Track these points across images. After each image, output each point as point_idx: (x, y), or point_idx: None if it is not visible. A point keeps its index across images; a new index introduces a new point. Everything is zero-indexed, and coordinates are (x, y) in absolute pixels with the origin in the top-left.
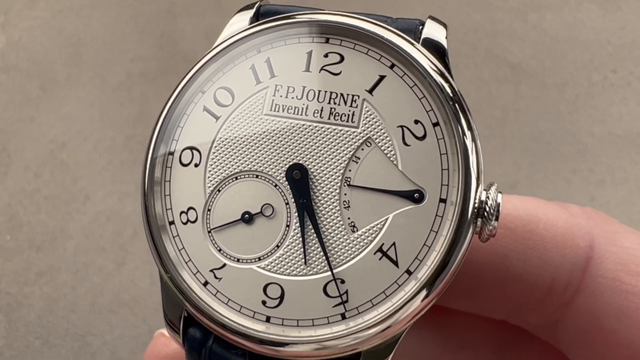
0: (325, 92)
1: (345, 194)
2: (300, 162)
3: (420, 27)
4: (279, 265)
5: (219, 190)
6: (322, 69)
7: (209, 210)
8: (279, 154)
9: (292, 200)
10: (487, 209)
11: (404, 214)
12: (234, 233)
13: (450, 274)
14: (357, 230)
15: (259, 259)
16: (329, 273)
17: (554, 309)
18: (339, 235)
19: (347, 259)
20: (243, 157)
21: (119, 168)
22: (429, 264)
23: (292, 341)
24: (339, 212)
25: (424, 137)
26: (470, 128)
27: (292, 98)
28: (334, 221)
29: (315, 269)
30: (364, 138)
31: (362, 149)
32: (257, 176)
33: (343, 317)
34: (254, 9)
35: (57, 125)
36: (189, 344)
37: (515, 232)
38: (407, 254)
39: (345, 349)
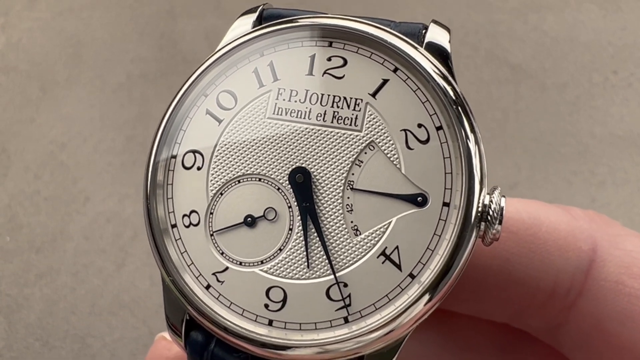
0: (329, 95)
1: (348, 198)
2: (303, 165)
3: (424, 31)
4: (281, 269)
5: (221, 194)
6: (325, 72)
7: (211, 213)
8: (281, 157)
9: (295, 203)
10: (491, 212)
11: (407, 217)
12: (237, 236)
13: (454, 277)
14: (360, 234)
15: (262, 262)
16: (332, 276)
17: (556, 312)
18: (341, 239)
19: (350, 262)
20: (246, 161)
21: (119, 169)
22: (432, 268)
23: (294, 345)
24: (342, 215)
25: (427, 140)
26: (473, 131)
27: (295, 102)
28: (337, 225)
29: (318, 273)
30: (367, 142)
31: (365, 153)
32: (259, 179)
33: (346, 320)
34: (257, 13)
35: (57, 126)
36: (191, 348)
37: (517, 235)
38: (411, 257)
39: (348, 353)
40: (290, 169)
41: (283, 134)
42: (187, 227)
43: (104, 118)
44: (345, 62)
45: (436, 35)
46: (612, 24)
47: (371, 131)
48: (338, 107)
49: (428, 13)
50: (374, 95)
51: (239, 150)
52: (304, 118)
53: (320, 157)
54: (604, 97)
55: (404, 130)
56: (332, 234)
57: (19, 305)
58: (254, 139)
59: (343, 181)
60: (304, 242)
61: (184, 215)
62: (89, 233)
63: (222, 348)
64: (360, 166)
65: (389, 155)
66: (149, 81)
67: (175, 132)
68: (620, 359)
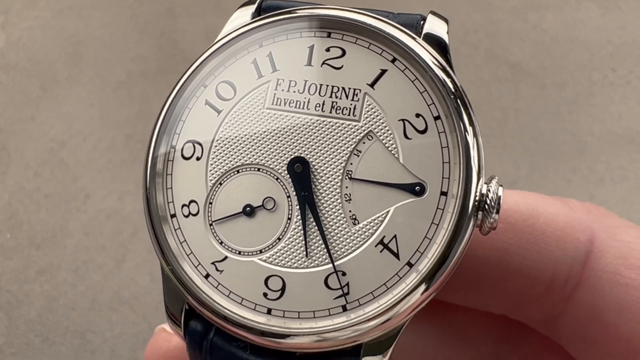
0: (327, 86)
1: (346, 187)
2: (302, 155)
3: (422, 22)
4: (280, 258)
5: (220, 184)
6: (323, 63)
7: (210, 203)
8: (280, 147)
9: (294, 193)
10: (488, 201)
11: (405, 206)
12: (236, 226)
13: (451, 266)
14: (358, 223)
15: (261, 251)
16: (330, 265)
17: (554, 304)
18: (340, 228)
19: (349, 251)
20: (245, 151)
21: (119, 167)
22: (430, 257)
23: (293, 333)
24: (341, 205)
25: (425, 130)
26: (471, 121)
27: (294, 92)
28: (336, 214)
29: (316, 262)
30: (366, 131)
31: (364, 143)
32: (258, 169)
33: (344, 309)
34: (255, 4)
35: (57, 124)
36: (190, 337)
37: (515, 226)
38: (408, 246)
39: (346, 341)
40: (289, 159)
41: (282, 124)
42: (187, 216)
43: (104, 116)
44: (344, 52)
45: (434, 26)
46: (611, 22)
47: (369, 121)
48: (336, 97)
49: (427, 11)
50: (372, 85)
51: (238, 140)
52: (303, 108)
53: (318, 147)
54: (602, 95)
55: (402, 120)
56: (331, 223)
57: (19, 302)
58: (253, 130)
59: (341, 171)
60: (302, 232)
61: (183, 205)
62: (89, 230)
63: (222, 337)
64: (358, 156)
65: (387, 145)
66: (149, 80)
67: (174, 122)
68: (617, 350)
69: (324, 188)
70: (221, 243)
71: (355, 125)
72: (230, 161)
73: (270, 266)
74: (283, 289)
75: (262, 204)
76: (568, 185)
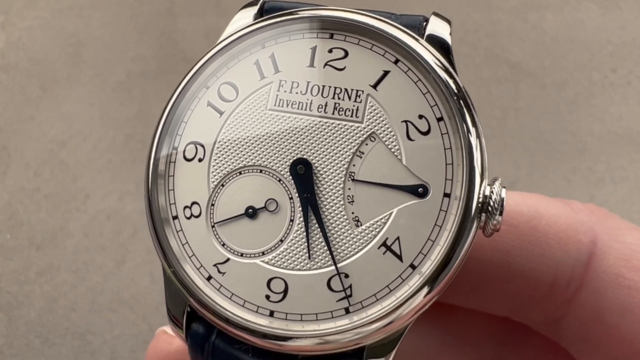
0: (330, 87)
1: (349, 189)
2: (305, 156)
3: (425, 24)
4: (282, 260)
5: (222, 185)
6: (326, 64)
7: (212, 205)
8: (283, 148)
9: (296, 195)
10: (491, 203)
11: (408, 208)
12: (238, 228)
13: (455, 268)
14: (361, 225)
15: (263, 253)
16: (333, 267)
17: (556, 305)
18: (343, 230)
19: (351, 253)
20: (247, 152)
21: (119, 167)
22: (433, 259)
23: (295, 335)
24: (343, 206)
25: (428, 132)
26: (474, 123)
27: (297, 93)
28: (338, 216)
29: (319, 264)
30: (368, 133)
31: (366, 144)
32: (261, 171)
33: (347, 311)
34: (258, 5)
35: (57, 124)
36: (192, 339)
37: (517, 228)
38: (411, 248)
39: (349, 344)
40: (291, 161)
41: (284, 126)
42: (189, 218)
43: (104, 116)
44: (347, 53)
45: (437, 27)
46: (611, 22)
47: (372, 122)
48: (339, 98)
49: (428, 11)
50: (375, 86)
51: (240, 142)
52: (305, 109)
53: (321, 148)
54: (603, 95)
55: (405, 121)
56: (333, 225)
57: (19, 303)
58: (255, 131)
59: (344, 172)
60: (305, 233)
61: (185, 207)
62: (89, 230)
63: (224, 339)
64: (361, 157)
65: (389, 146)
66: (149, 80)
67: (176, 124)
68: (620, 352)
69: (327, 190)
70: (223, 245)
71: (357, 127)
72: (233, 163)
73: (273, 268)
74: (285, 291)
75: (265, 206)
76: (568, 185)
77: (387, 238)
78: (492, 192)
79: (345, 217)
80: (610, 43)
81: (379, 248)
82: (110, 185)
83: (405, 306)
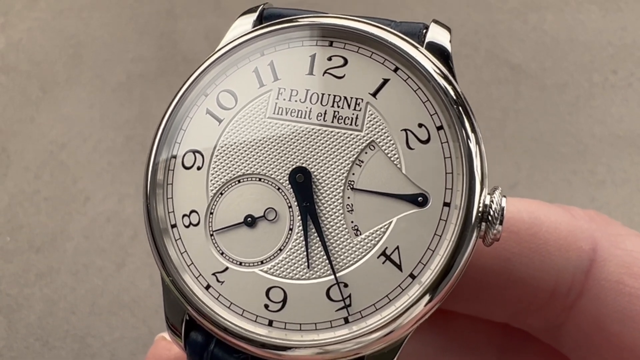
0: (329, 95)
1: (348, 198)
2: (304, 165)
3: (424, 31)
4: (281, 269)
5: (221, 194)
6: (325, 72)
7: (211, 213)
8: (282, 157)
9: (295, 203)
10: (492, 213)
11: (407, 217)
12: (237, 236)
13: (454, 278)
14: (360, 234)
15: (262, 262)
16: (332, 277)
17: (557, 312)
18: (342, 239)
19: (351, 262)
20: (246, 161)
21: (119, 169)
22: (432, 268)
23: (294, 345)
24: (342, 215)
25: (428, 140)
26: (474, 131)
27: (296, 101)
28: (337, 225)
29: (318, 273)
30: (368, 141)
31: (366, 153)
32: (260, 179)
33: (346, 321)
34: (257, 12)
35: (57, 126)
36: (190, 348)
37: (518, 235)
38: (411, 257)
39: (349, 353)
40: (290, 169)
41: (283, 134)
42: (187, 227)
43: (104, 118)
44: (346, 61)
45: (437, 35)
46: (612, 23)
47: (372, 131)
48: (338, 106)
49: (428, 13)
50: (374, 94)
51: (239, 150)
52: (305, 118)
53: (320, 157)
54: (603, 97)
55: (405, 130)
56: (333, 234)
57: (19, 305)
58: (254, 139)
59: (343, 181)
60: (304, 242)
61: (184, 215)
62: (89, 233)
63: (222, 348)
64: (360, 166)
65: (389, 155)
66: (149, 81)
67: (175, 131)
68: (620, 359)
69: (326, 198)
70: (222, 254)
71: (357, 135)
72: (231, 171)
73: (272, 277)
74: (284, 301)
75: (264, 215)
76: (569, 187)
77: (386, 247)
78: (492, 201)
79: (344, 226)
80: (611, 44)
81: (378, 257)
82: (110, 188)
83: (405, 316)
